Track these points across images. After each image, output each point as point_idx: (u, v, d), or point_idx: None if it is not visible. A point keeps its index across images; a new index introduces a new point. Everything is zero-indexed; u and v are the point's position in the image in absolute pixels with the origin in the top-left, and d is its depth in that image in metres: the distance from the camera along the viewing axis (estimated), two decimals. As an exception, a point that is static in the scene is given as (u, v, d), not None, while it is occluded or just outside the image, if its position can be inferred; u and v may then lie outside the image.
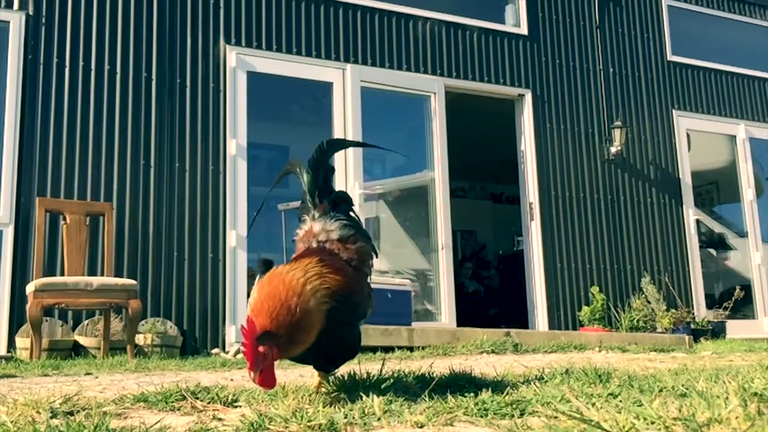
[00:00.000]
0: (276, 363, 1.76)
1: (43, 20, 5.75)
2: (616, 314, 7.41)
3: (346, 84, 6.68)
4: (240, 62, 6.31)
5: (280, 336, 1.69)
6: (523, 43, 7.71)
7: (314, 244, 2.04)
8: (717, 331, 7.56)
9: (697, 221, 8.29)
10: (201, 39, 6.25)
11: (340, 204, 2.15)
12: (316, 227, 2.07)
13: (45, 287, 4.60)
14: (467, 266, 10.51)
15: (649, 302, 7.47)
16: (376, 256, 2.19)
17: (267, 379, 1.70)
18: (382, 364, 2.33)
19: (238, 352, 5.22)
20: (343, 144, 2.30)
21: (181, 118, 6.06)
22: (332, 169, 2.22)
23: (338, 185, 6.40)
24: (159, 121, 5.98)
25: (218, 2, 6.38)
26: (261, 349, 1.67)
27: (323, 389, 1.99)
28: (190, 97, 6.12)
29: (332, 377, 2.08)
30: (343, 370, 2.20)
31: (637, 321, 7.27)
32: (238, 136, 6.16)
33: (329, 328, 1.77)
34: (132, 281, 4.98)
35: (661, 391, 1.86)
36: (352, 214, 2.18)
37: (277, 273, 1.80)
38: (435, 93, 7.08)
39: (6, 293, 5.24)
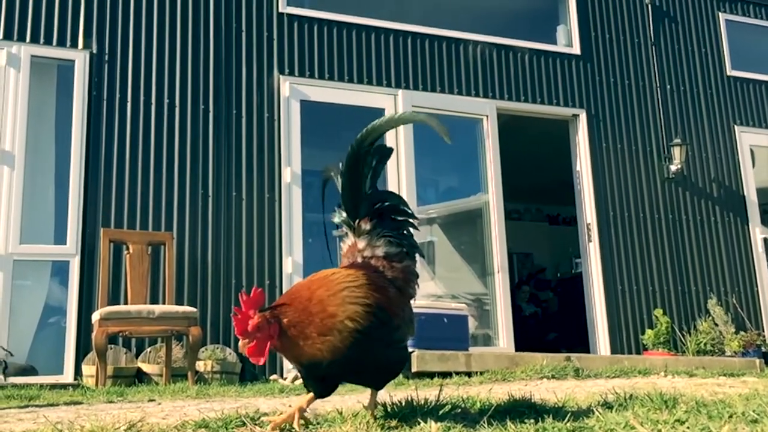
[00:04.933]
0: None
1: (106, 58, 5.99)
2: (681, 337, 7.16)
3: (397, 109, 6.72)
4: (293, 92, 6.43)
5: (285, 314, 1.67)
6: (576, 63, 7.64)
7: (359, 259, 1.97)
8: (790, 354, 7.22)
9: (765, 240, 7.98)
10: (255, 71, 6.41)
11: (385, 213, 2.03)
12: (361, 243, 1.99)
13: (109, 316, 4.73)
14: (524, 289, 10.36)
15: (716, 325, 7.21)
16: (422, 257, 2.11)
17: (256, 350, 1.66)
18: (440, 390, 2.30)
19: (296, 378, 5.25)
20: (384, 125, 2.05)
21: (238, 148, 6.20)
22: (375, 167, 2.04)
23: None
24: (216, 152, 6.13)
25: (272, 35, 6.53)
26: (257, 318, 1.65)
27: (377, 413, 1.97)
28: (245, 127, 6.26)
29: (380, 395, 2.04)
30: (400, 396, 2.19)
31: (705, 344, 7.01)
32: (293, 164, 6.25)
33: (360, 346, 1.70)
34: (192, 309, 5.08)
35: (731, 417, 1.78)
36: (400, 218, 2.06)
37: (321, 272, 1.80)
38: (487, 116, 7.06)
39: (73, 322, 5.41)
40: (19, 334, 5.40)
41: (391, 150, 2.15)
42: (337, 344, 1.68)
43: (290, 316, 1.68)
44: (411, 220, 2.09)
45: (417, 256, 2.09)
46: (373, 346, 1.74)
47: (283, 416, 1.83)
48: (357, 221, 2.00)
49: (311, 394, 1.86)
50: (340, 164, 2.02)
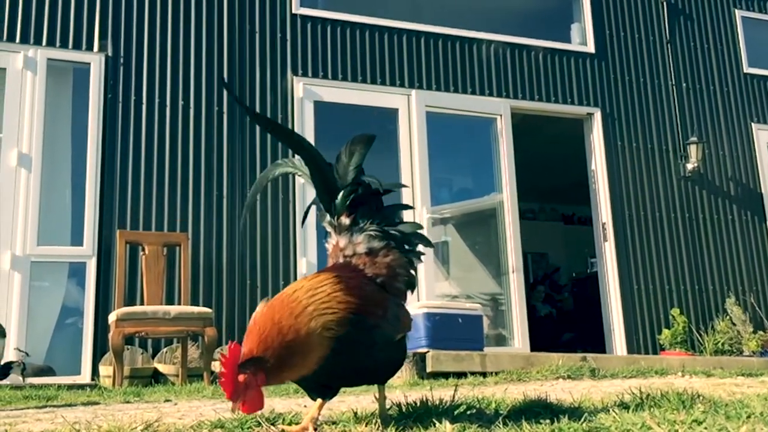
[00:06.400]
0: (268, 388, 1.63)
1: (121, 61, 6.04)
2: (698, 337, 7.10)
3: (411, 109, 6.72)
4: (307, 92, 6.45)
5: (267, 360, 1.56)
6: (590, 62, 7.60)
7: (340, 260, 1.87)
8: (810, 354, 7.14)
9: (783, 238, 7.89)
10: (269, 72, 6.43)
11: (366, 204, 1.89)
12: (342, 241, 1.88)
13: (126, 316, 4.76)
14: (539, 289, 10.31)
15: (734, 324, 7.14)
16: (412, 249, 1.94)
17: (253, 403, 1.57)
18: (455, 390, 2.29)
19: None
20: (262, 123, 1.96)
21: (252, 149, 6.22)
22: (352, 157, 1.88)
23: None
24: (230, 153, 6.16)
25: (285, 36, 6.55)
26: (242, 378, 1.54)
27: (392, 412, 1.97)
28: (259, 128, 6.28)
29: (396, 395, 2.02)
30: (415, 396, 2.19)
31: (722, 344, 6.95)
32: (307, 165, 6.26)
33: (340, 353, 1.62)
34: (207, 309, 5.10)
35: (749, 417, 1.76)
36: (385, 207, 1.91)
37: (283, 292, 1.68)
38: (501, 115, 7.04)
39: (90, 323, 5.45)
40: (37, 335, 5.45)
41: (370, 138, 1.98)
42: (321, 356, 1.61)
43: (272, 358, 1.58)
44: (402, 210, 1.97)
45: (418, 243, 1.96)
46: (356, 350, 1.66)
47: (297, 428, 1.80)
48: (337, 218, 1.89)
49: (319, 400, 1.83)
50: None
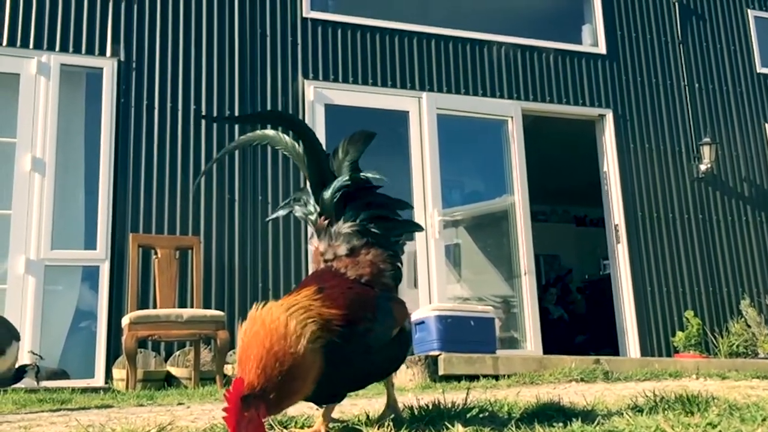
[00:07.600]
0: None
1: (134, 66, 6.07)
2: (713, 339, 7.05)
3: (422, 112, 6.72)
4: (318, 96, 6.46)
5: (269, 392, 1.48)
6: (602, 63, 7.57)
7: (321, 265, 1.80)
8: (826, 356, 7.07)
9: (798, 239, 7.82)
10: (280, 75, 6.45)
11: (345, 202, 1.82)
12: (322, 245, 1.81)
13: (139, 320, 4.78)
14: (551, 292, 10.27)
15: (749, 326, 7.08)
16: (403, 251, 1.86)
17: None
18: (467, 393, 2.29)
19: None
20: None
21: (263, 152, 6.24)
22: (348, 154, 1.88)
23: (415, 213, 6.39)
24: (242, 156, 6.18)
25: (296, 39, 6.57)
26: (246, 413, 1.45)
27: (405, 413, 1.97)
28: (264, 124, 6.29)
29: (408, 398, 2.01)
30: (427, 399, 2.18)
31: (737, 346, 6.90)
32: (318, 168, 6.27)
33: (337, 367, 1.56)
34: (220, 312, 5.12)
35: (764, 420, 1.74)
36: (363, 202, 1.84)
37: (257, 313, 1.57)
38: (512, 117, 7.02)
39: (103, 326, 5.48)
40: (51, 338, 5.49)
41: (369, 135, 1.93)
42: (318, 374, 1.55)
43: (273, 389, 1.51)
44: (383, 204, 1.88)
45: (404, 232, 1.89)
46: (352, 359, 1.60)
47: (309, 431, 1.77)
48: (320, 216, 1.84)
49: (327, 404, 1.80)
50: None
